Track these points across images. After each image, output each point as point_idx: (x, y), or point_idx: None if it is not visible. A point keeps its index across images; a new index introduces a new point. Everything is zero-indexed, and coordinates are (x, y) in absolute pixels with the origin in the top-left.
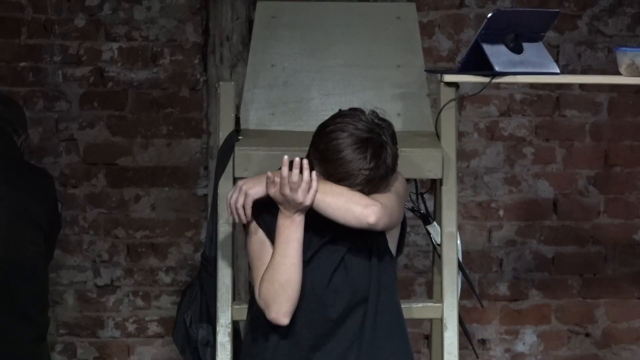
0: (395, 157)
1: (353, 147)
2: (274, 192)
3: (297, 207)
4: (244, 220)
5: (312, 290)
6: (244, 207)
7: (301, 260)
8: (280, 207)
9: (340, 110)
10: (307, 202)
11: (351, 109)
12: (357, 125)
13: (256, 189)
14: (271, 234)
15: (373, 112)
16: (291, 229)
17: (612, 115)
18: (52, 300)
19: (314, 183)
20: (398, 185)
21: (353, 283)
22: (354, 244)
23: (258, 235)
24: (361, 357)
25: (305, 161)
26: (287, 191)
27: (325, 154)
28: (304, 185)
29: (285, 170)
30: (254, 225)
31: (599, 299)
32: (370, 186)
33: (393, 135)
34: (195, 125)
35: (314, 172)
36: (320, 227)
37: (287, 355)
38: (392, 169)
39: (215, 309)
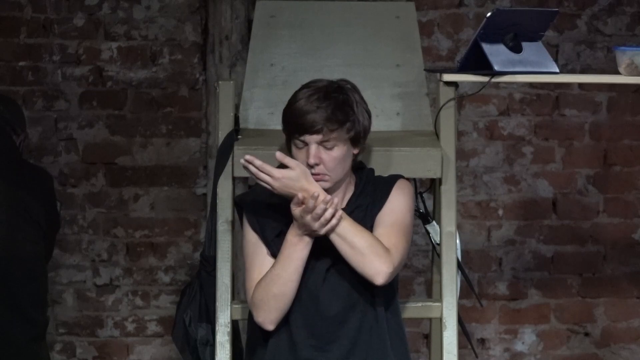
0: (359, 103)
1: (307, 95)
2: (296, 210)
3: (310, 233)
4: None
5: (307, 288)
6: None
7: (299, 277)
8: (295, 223)
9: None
10: (321, 232)
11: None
12: (315, 84)
13: (286, 183)
14: (265, 237)
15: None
16: (297, 247)
17: (611, 115)
18: (51, 300)
19: (334, 221)
20: (407, 217)
21: (349, 281)
22: None
23: (251, 240)
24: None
25: (335, 199)
26: (307, 218)
27: (285, 112)
28: (322, 220)
29: (312, 203)
30: (249, 228)
31: (598, 298)
32: (330, 126)
33: (356, 89)
34: (194, 125)
35: (339, 211)
36: None
37: (287, 355)
38: (358, 113)
39: (214, 309)
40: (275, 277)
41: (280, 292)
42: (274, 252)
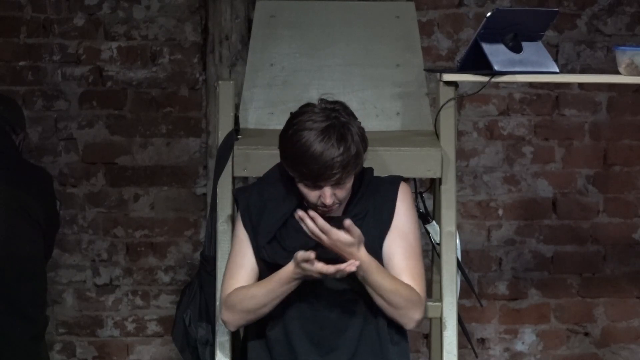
0: (360, 131)
1: (318, 139)
2: (306, 265)
3: (308, 278)
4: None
5: (306, 293)
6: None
7: (273, 307)
8: (296, 265)
9: (290, 113)
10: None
11: (301, 107)
12: (313, 119)
13: (338, 245)
14: (257, 242)
15: (321, 100)
16: (287, 286)
17: (611, 115)
18: (51, 300)
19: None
20: (417, 232)
21: (350, 288)
22: None
23: (240, 236)
24: None
25: (357, 263)
26: (315, 274)
27: (295, 158)
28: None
29: (332, 269)
30: (240, 225)
31: (598, 298)
32: (346, 170)
33: (350, 112)
34: (194, 125)
35: (356, 263)
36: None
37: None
38: (363, 144)
39: (214, 308)
40: (254, 297)
41: (253, 310)
42: (264, 257)
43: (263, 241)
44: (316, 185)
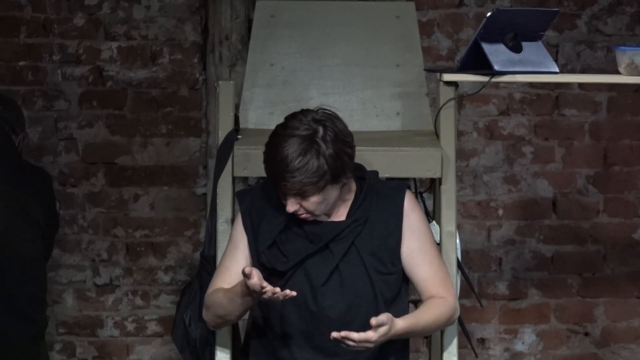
0: (336, 151)
1: (283, 145)
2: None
3: (255, 295)
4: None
5: (304, 303)
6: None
7: (239, 316)
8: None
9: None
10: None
11: (295, 112)
12: (293, 125)
13: (382, 339)
14: (257, 247)
15: (317, 110)
16: (243, 299)
17: (611, 115)
18: (51, 300)
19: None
20: (430, 235)
21: (350, 294)
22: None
23: (235, 237)
24: None
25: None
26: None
27: (265, 159)
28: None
29: (254, 284)
30: (238, 227)
31: (598, 298)
32: (304, 185)
33: (338, 131)
34: (194, 125)
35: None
36: (312, 235)
37: None
38: (334, 164)
39: None
40: (221, 303)
41: (222, 316)
42: (264, 262)
43: (263, 246)
44: (284, 194)
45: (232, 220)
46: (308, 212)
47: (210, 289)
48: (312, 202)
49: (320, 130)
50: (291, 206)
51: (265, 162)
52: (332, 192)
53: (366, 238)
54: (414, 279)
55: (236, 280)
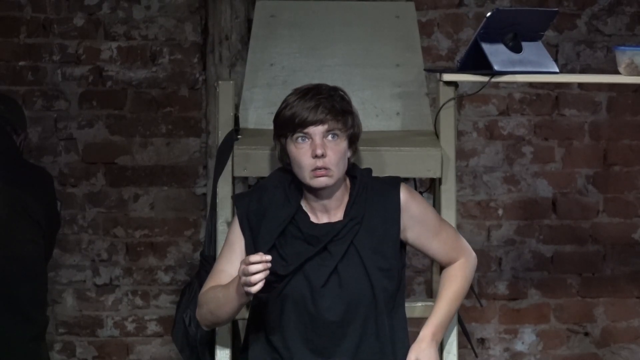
0: (349, 102)
1: (306, 89)
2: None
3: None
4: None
5: (303, 305)
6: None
7: (231, 314)
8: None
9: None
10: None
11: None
12: (301, 87)
13: None
14: (257, 246)
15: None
16: (237, 296)
17: (611, 115)
18: (51, 300)
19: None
20: (430, 209)
21: (348, 295)
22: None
23: (231, 240)
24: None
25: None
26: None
27: (283, 114)
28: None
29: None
30: (235, 230)
31: (598, 298)
32: (334, 115)
33: (346, 95)
34: (194, 125)
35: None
36: (310, 237)
37: None
38: (354, 110)
39: None
40: (216, 297)
41: (215, 311)
42: None
43: (263, 249)
44: (306, 135)
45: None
46: (331, 163)
47: (204, 289)
48: (338, 149)
49: (329, 87)
50: (320, 147)
51: (283, 109)
52: (346, 155)
53: (365, 236)
54: (427, 255)
55: (224, 280)
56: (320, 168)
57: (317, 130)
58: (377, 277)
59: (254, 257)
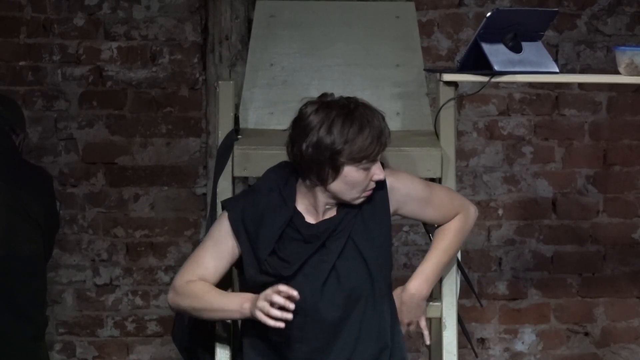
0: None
1: (366, 112)
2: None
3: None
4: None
5: (303, 305)
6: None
7: (211, 319)
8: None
9: (306, 105)
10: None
11: (319, 99)
12: (342, 103)
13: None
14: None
15: (324, 94)
16: (234, 310)
17: (611, 115)
18: (51, 300)
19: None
20: (418, 180)
21: (347, 289)
22: (346, 248)
23: (219, 235)
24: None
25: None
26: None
27: (359, 130)
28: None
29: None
30: (224, 230)
31: (598, 298)
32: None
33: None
34: (194, 125)
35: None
36: (308, 236)
37: None
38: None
39: None
40: (203, 303)
41: (197, 310)
42: (267, 270)
43: (264, 254)
44: (371, 159)
45: None
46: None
47: (181, 279)
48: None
49: (355, 100)
50: (380, 171)
51: (352, 140)
52: None
53: (360, 227)
54: (426, 222)
55: (207, 275)
56: (368, 189)
57: (378, 155)
58: (375, 267)
59: (283, 288)
